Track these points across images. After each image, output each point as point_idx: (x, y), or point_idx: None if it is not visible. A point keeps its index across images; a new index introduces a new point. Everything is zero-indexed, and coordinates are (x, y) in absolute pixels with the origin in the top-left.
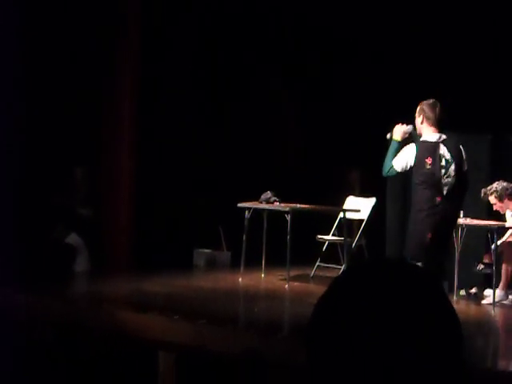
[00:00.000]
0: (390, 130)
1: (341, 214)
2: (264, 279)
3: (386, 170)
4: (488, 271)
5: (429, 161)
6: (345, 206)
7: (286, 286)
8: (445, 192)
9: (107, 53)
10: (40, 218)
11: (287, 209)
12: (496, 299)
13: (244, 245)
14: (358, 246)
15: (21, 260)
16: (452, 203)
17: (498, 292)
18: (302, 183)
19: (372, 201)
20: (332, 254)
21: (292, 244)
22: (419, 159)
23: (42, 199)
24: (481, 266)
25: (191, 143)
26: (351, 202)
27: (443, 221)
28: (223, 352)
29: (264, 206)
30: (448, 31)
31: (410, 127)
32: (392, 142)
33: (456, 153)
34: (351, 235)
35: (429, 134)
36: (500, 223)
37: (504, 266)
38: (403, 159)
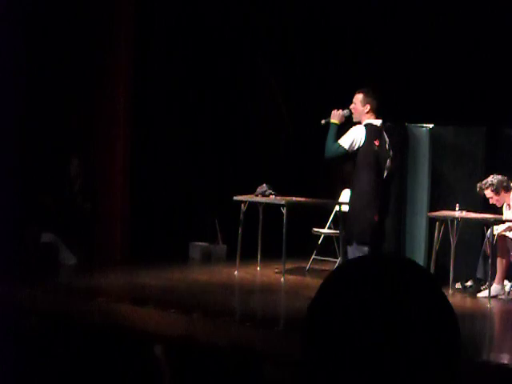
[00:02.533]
0: (325, 116)
1: (336, 207)
2: (260, 272)
3: (331, 151)
4: (468, 284)
5: (377, 143)
6: (340, 199)
7: (282, 279)
8: (384, 175)
9: (103, 43)
10: (23, 214)
11: (283, 202)
12: (492, 293)
13: (240, 238)
14: None
15: (8, 256)
16: (388, 187)
17: (494, 285)
18: (298, 176)
19: None
20: (328, 247)
21: (288, 237)
22: (368, 140)
23: (30, 194)
24: (458, 285)
25: (187, 135)
26: (347, 194)
27: (384, 203)
28: (218, 345)
29: (260, 199)
30: (442, 25)
31: (346, 111)
32: (331, 126)
33: (390, 139)
34: None
35: (373, 119)
36: (496, 216)
37: (499, 260)
38: (352, 138)
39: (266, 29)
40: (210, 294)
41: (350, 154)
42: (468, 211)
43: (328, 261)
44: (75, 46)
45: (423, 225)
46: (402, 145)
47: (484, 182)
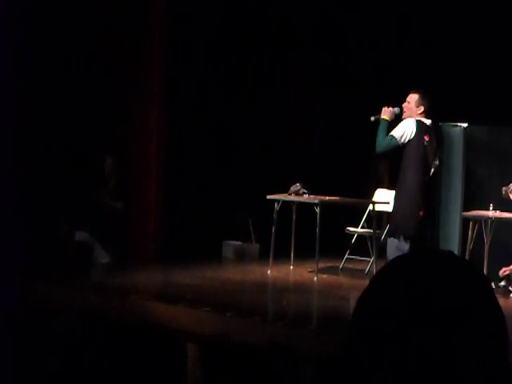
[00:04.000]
0: (374, 113)
1: (370, 207)
2: (293, 271)
3: (382, 145)
4: (502, 284)
5: (427, 138)
6: (374, 199)
7: (315, 278)
8: (431, 173)
9: (135, 42)
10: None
11: (316, 201)
12: None
13: (273, 237)
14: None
15: (41, 254)
16: (434, 184)
17: None
18: (331, 175)
19: None
20: (361, 246)
21: (321, 236)
22: (419, 134)
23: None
24: (501, 284)
25: (220, 134)
26: (380, 194)
27: (431, 199)
28: (251, 344)
29: (293, 198)
30: (478, 20)
31: (397, 109)
32: (382, 122)
33: (438, 143)
34: (380, 227)
35: (422, 117)
36: None
37: None
38: (403, 130)
39: (298, 25)
40: (243, 293)
41: (401, 147)
42: (502, 211)
43: (361, 260)
44: (111, 45)
45: (457, 225)
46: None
47: (510, 185)
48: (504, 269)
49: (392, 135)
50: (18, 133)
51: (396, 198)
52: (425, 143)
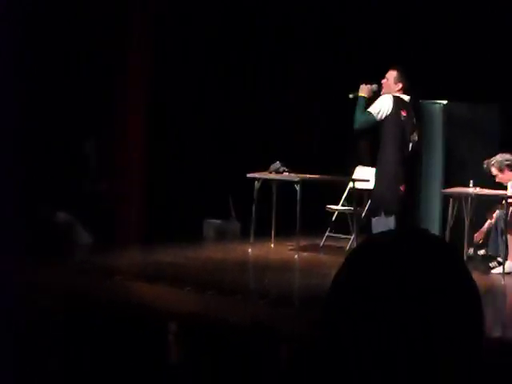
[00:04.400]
0: (352, 91)
1: (350, 184)
2: (274, 249)
3: (360, 121)
4: (481, 252)
5: (404, 113)
6: (354, 176)
7: (296, 256)
8: (410, 148)
9: (119, 27)
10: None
11: (297, 179)
12: (506, 270)
13: (254, 215)
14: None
15: (21, 236)
16: (414, 159)
17: (508, 262)
18: (312, 153)
19: None
20: (341, 224)
21: (301, 214)
22: (395, 109)
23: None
24: (471, 250)
25: (202, 113)
26: (360, 171)
27: (411, 174)
28: (232, 323)
29: (273, 176)
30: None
31: (375, 86)
32: (359, 98)
33: (417, 118)
34: (361, 205)
35: (400, 93)
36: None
37: (509, 237)
38: (380, 106)
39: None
40: (225, 272)
41: (379, 123)
42: (482, 187)
43: (342, 238)
44: (96, 30)
45: (437, 201)
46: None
47: (491, 159)
48: (476, 235)
49: (369, 111)
50: None
51: (376, 175)
52: (402, 118)
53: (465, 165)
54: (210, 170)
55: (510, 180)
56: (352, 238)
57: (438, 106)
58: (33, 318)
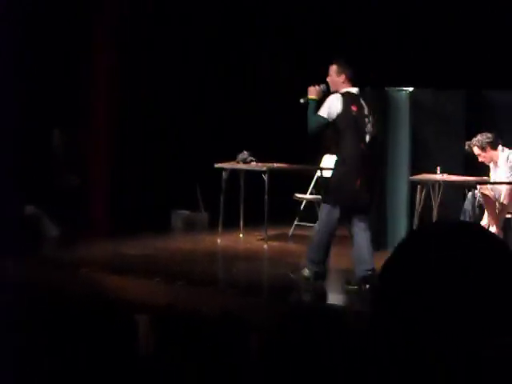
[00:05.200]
0: (302, 95)
1: (318, 173)
2: (243, 239)
3: (312, 125)
4: None
5: (354, 108)
6: (321, 165)
7: (265, 245)
8: (367, 140)
9: (86, 14)
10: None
11: (264, 168)
12: None
13: (222, 205)
14: None
15: None
16: (373, 151)
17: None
18: (278, 142)
19: None
20: (310, 212)
21: (270, 204)
22: (345, 106)
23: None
24: None
25: (168, 103)
26: (328, 160)
27: (368, 167)
28: (202, 314)
29: (241, 166)
30: None
31: (323, 86)
32: (310, 102)
33: (368, 106)
34: None
35: (349, 87)
36: (478, 178)
37: (489, 211)
38: (329, 107)
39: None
40: (194, 263)
41: (331, 123)
42: (449, 174)
43: (310, 226)
44: (60, 20)
45: (404, 188)
46: (382, 109)
47: (472, 139)
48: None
49: (319, 114)
50: None
51: (334, 169)
52: (353, 113)
53: (431, 151)
54: (177, 161)
55: (492, 159)
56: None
57: (404, 93)
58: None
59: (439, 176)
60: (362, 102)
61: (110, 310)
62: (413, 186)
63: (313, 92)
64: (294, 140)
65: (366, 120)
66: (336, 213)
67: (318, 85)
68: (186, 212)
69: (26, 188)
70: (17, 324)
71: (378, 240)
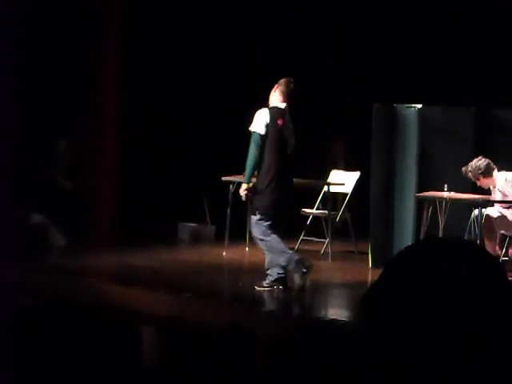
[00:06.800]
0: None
1: (325, 188)
2: (248, 253)
3: (254, 148)
4: None
5: (280, 122)
6: (329, 180)
7: None
8: (289, 152)
9: (93, 26)
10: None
11: None
12: None
13: (228, 218)
14: (343, 219)
15: None
16: (292, 164)
17: None
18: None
19: (356, 174)
20: (316, 227)
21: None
22: (273, 120)
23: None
24: None
25: (176, 116)
26: (335, 175)
27: (288, 180)
28: (208, 326)
29: None
30: (430, 4)
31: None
32: (247, 180)
33: (293, 124)
34: (335, 209)
35: (279, 103)
36: (485, 197)
37: (486, 242)
38: (259, 121)
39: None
40: (199, 275)
41: (265, 136)
42: (457, 192)
43: (316, 241)
44: (71, 30)
45: (411, 205)
46: (391, 126)
47: (468, 165)
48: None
49: (253, 131)
50: None
51: (257, 180)
52: (279, 127)
53: (439, 169)
54: (185, 173)
55: (488, 184)
56: (326, 241)
57: (412, 110)
58: (7, 318)
59: (446, 193)
60: (288, 117)
61: (114, 320)
62: (420, 203)
63: (243, 192)
64: (301, 155)
65: (290, 134)
66: (264, 223)
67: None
68: (193, 224)
69: (31, 196)
70: (21, 332)
71: (384, 256)
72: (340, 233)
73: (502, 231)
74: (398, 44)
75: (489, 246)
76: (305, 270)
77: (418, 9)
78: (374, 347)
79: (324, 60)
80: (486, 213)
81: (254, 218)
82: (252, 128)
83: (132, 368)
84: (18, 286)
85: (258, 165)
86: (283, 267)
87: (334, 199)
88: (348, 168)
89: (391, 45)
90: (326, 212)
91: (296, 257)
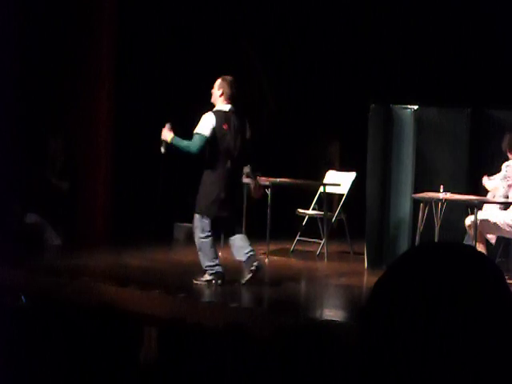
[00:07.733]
0: (160, 143)
1: (321, 189)
2: None
3: (194, 146)
4: None
5: (225, 127)
6: (325, 181)
7: (266, 260)
8: (235, 155)
9: (84, 24)
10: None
11: (267, 183)
12: None
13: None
14: (338, 220)
15: None
16: (238, 166)
17: None
18: (282, 157)
19: (352, 175)
20: (312, 228)
21: (272, 218)
22: (218, 125)
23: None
24: None
25: (170, 115)
26: (331, 176)
27: (232, 181)
28: (205, 326)
29: (244, 180)
30: (426, 4)
31: (167, 125)
32: (173, 142)
33: (242, 123)
34: (331, 209)
35: (223, 105)
36: (481, 198)
37: (477, 245)
38: (204, 124)
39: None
40: (195, 275)
41: (210, 139)
42: (453, 193)
43: (312, 242)
44: (61, 30)
45: (407, 206)
46: (387, 126)
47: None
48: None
49: (197, 132)
50: None
51: (202, 182)
52: (224, 132)
53: (435, 169)
54: (180, 173)
55: None
56: (322, 242)
57: (408, 110)
58: (1, 318)
59: (442, 194)
60: (234, 119)
61: (111, 319)
62: (416, 204)
63: (166, 134)
64: (296, 155)
65: (235, 137)
66: (206, 218)
67: (164, 126)
68: (189, 224)
69: (25, 195)
70: (15, 333)
71: (380, 257)
72: (336, 233)
73: (497, 234)
74: (394, 45)
75: (481, 250)
76: (215, 278)
77: (414, 10)
78: (373, 357)
79: (320, 60)
80: (480, 218)
81: (196, 217)
82: (197, 130)
83: (125, 367)
84: (12, 286)
85: (190, 156)
86: (209, 266)
87: (329, 200)
88: (344, 168)
89: (387, 45)
90: (322, 213)
91: (219, 267)
